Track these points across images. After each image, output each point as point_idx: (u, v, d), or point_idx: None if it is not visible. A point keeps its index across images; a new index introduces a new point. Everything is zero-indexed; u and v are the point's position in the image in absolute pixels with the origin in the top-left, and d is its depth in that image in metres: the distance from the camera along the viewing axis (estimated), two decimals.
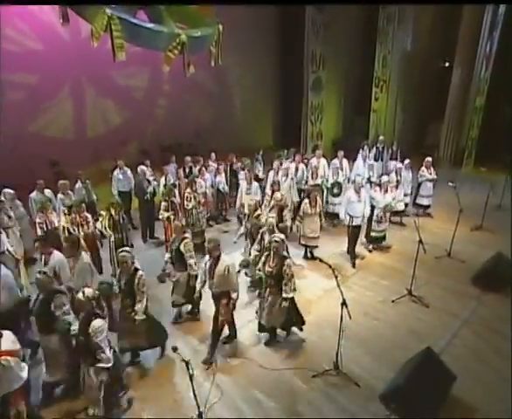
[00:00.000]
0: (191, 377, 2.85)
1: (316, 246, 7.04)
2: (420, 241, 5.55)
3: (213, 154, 9.79)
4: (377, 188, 7.11)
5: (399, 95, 13.14)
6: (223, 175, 8.92)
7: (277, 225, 5.92)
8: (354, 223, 6.77)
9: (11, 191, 6.96)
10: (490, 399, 4.05)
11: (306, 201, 6.79)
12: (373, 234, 7.25)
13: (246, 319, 5.36)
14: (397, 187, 7.89)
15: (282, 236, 4.71)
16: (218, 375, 4.35)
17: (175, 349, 2.95)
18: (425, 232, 7.71)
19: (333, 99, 14.05)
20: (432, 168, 8.67)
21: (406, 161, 8.76)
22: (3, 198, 6.52)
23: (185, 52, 6.43)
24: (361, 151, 10.16)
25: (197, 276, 5.01)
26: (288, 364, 4.63)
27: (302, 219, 6.81)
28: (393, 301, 5.75)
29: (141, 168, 8.11)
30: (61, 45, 10.21)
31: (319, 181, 8.43)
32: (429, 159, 8.73)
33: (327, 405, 4.09)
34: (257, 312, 4.98)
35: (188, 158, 9.35)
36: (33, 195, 7.20)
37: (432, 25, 13.21)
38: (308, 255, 7.09)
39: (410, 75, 13.06)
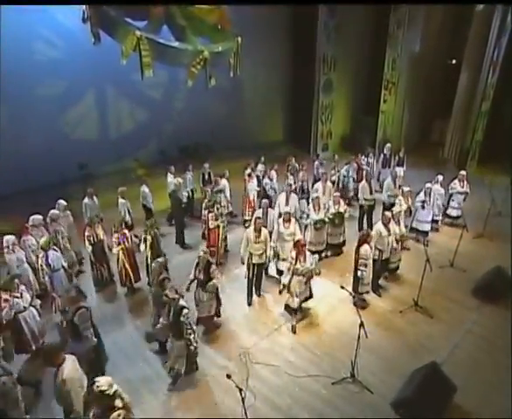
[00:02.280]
0: (243, 400, 3.54)
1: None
2: (427, 260, 6.16)
3: (262, 158, 10.43)
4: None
5: (407, 97, 13.53)
6: (273, 175, 9.52)
7: (206, 283, 5.59)
8: (383, 257, 6.70)
9: (64, 202, 7.70)
10: (486, 405, 4.72)
11: (366, 247, 6.15)
12: (389, 265, 7.10)
13: (273, 328, 6.11)
14: (423, 207, 8.06)
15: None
16: (250, 381, 5.04)
17: (229, 376, 3.63)
18: (432, 241, 8.45)
19: (343, 100, 14.44)
20: (464, 182, 8.86)
21: (440, 178, 8.78)
22: (57, 210, 7.25)
23: (207, 67, 6.99)
24: (365, 159, 10.38)
25: (98, 347, 4.75)
26: (311, 371, 5.32)
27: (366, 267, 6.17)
28: (401, 312, 6.42)
29: (178, 180, 8.81)
30: (84, 51, 10.62)
31: (322, 214, 7.51)
32: (463, 172, 8.96)
33: (345, 409, 4.80)
34: None
35: (206, 165, 9.93)
36: (86, 200, 7.99)
37: (440, 26, 13.50)
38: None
39: (418, 77, 13.42)
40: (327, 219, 7.54)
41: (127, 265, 6.68)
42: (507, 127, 12.47)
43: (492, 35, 11.13)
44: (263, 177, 9.62)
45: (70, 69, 10.53)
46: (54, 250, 5.92)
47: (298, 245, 5.85)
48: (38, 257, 5.94)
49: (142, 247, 6.73)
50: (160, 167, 12.68)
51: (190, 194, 9.77)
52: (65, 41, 10.42)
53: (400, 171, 10.48)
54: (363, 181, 8.74)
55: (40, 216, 7.11)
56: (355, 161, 10.33)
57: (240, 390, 3.52)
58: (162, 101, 12.70)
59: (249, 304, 6.69)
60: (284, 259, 6.63)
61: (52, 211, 7.18)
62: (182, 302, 4.83)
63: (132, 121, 12.49)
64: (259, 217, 6.41)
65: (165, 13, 7.44)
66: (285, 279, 5.95)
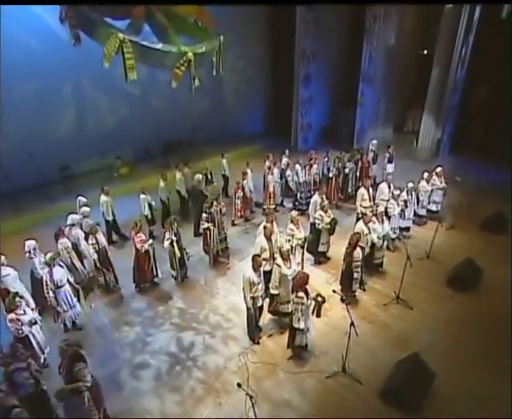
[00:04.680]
0: (253, 405, 3.90)
1: None
2: (408, 257, 6.66)
3: (287, 151, 10.86)
4: (374, 219, 7.32)
5: (383, 89, 14.03)
6: (297, 169, 10.07)
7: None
8: (364, 254, 7.06)
9: (84, 199, 8.16)
10: (461, 390, 5.29)
11: (358, 250, 6.57)
12: (373, 261, 7.65)
13: (269, 328, 6.48)
14: (406, 206, 8.42)
15: None
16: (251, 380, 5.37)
17: (239, 385, 3.96)
18: (409, 234, 9.02)
19: (322, 92, 14.72)
20: (442, 177, 9.34)
21: (426, 175, 9.27)
22: (87, 207, 7.72)
23: (191, 69, 7.05)
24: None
25: None
26: (305, 368, 5.75)
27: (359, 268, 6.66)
28: (384, 305, 6.95)
29: (198, 176, 9.40)
30: (61, 47, 10.28)
31: (303, 234, 7.13)
32: (440, 168, 9.43)
33: (338, 401, 5.27)
34: None
35: (207, 165, 10.32)
36: (104, 198, 8.47)
37: (414, 19, 14.01)
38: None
39: (393, 69, 13.95)
40: (323, 229, 7.59)
41: (151, 262, 7.21)
42: (475, 119, 13.23)
43: (460, 32, 11.68)
44: (285, 170, 10.18)
45: (48, 66, 10.26)
46: (60, 265, 6.00)
47: (303, 280, 5.37)
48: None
49: (166, 244, 7.01)
50: (143, 164, 12.68)
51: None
52: (42, 38, 10.08)
53: (390, 167, 10.98)
54: (361, 188, 8.80)
55: (77, 216, 7.52)
56: (360, 159, 10.76)
57: (251, 397, 3.87)
58: (143, 98, 12.53)
59: (253, 340, 6.24)
60: (288, 301, 6.02)
61: (84, 208, 7.78)
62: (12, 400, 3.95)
63: (113, 119, 12.30)
64: (258, 255, 5.88)
65: (146, 12, 7.38)
66: (301, 324, 5.48)
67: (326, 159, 10.68)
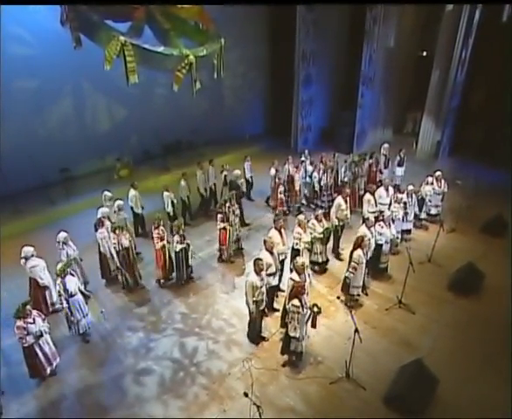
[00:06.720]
0: (260, 415, 3.90)
1: None
2: (411, 263, 6.68)
3: (306, 151, 11.34)
4: (382, 224, 7.37)
5: (383, 91, 14.05)
6: (320, 171, 10.35)
7: None
8: (367, 258, 6.99)
9: (110, 194, 8.40)
10: (464, 394, 5.33)
11: (360, 252, 6.54)
12: (380, 265, 7.68)
13: (271, 333, 6.46)
14: (405, 208, 8.46)
15: None
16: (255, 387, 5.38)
17: (246, 394, 3.96)
18: (411, 237, 9.05)
19: (322, 94, 14.73)
20: (442, 182, 9.41)
21: (430, 179, 9.39)
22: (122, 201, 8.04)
23: (193, 72, 7.02)
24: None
25: None
26: (309, 373, 5.74)
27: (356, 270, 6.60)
28: (387, 309, 6.96)
29: (236, 171, 10.01)
30: (60, 47, 10.21)
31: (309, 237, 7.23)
32: (439, 173, 9.48)
33: (342, 407, 5.28)
34: None
35: (227, 166, 10.44)
36: (133, 192, 8.80)
37: (414, 21, 14.03)
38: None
39: (393, 71, 13.96)
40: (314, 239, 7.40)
41: (166, 258, 7.32)
42: (475, 121, 13.27)
43: (460, 35, 11.70)
44: (313, 171, 10.38)
45: (48, 67, 10.19)
46: (71, 274, 5.95)
47: (298, 290, 5.29)
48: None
49: (178, 248, 7.09)
50: (143, 166, 12.63)
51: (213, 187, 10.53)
52: (42, 38, 10.00)
53: (400, 171, 10.96)
54: (367, 194, 8.82)
55: (107, 209, 7.95)
56: (368, 163, 10.80)
57: (258, 407, 3.87)
58: (143, 100, 12.46)
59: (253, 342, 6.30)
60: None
61: (118, 202, 8.14)
62: None
63: (113, 120, 12.24)
64: (259, 259, 5.76)
65: (147, 14, 7.34)
66: (297, 333, 5.41)
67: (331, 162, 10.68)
